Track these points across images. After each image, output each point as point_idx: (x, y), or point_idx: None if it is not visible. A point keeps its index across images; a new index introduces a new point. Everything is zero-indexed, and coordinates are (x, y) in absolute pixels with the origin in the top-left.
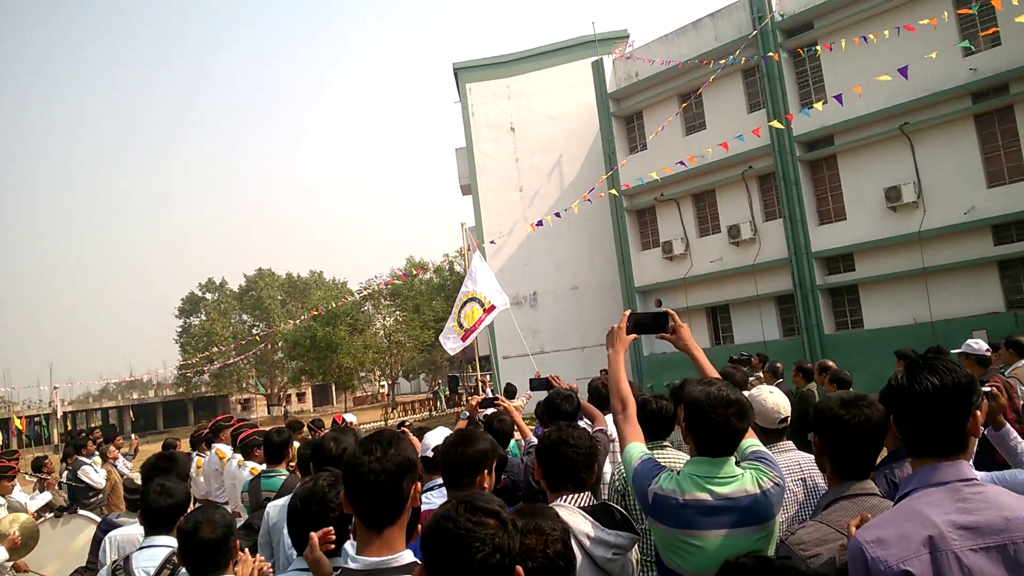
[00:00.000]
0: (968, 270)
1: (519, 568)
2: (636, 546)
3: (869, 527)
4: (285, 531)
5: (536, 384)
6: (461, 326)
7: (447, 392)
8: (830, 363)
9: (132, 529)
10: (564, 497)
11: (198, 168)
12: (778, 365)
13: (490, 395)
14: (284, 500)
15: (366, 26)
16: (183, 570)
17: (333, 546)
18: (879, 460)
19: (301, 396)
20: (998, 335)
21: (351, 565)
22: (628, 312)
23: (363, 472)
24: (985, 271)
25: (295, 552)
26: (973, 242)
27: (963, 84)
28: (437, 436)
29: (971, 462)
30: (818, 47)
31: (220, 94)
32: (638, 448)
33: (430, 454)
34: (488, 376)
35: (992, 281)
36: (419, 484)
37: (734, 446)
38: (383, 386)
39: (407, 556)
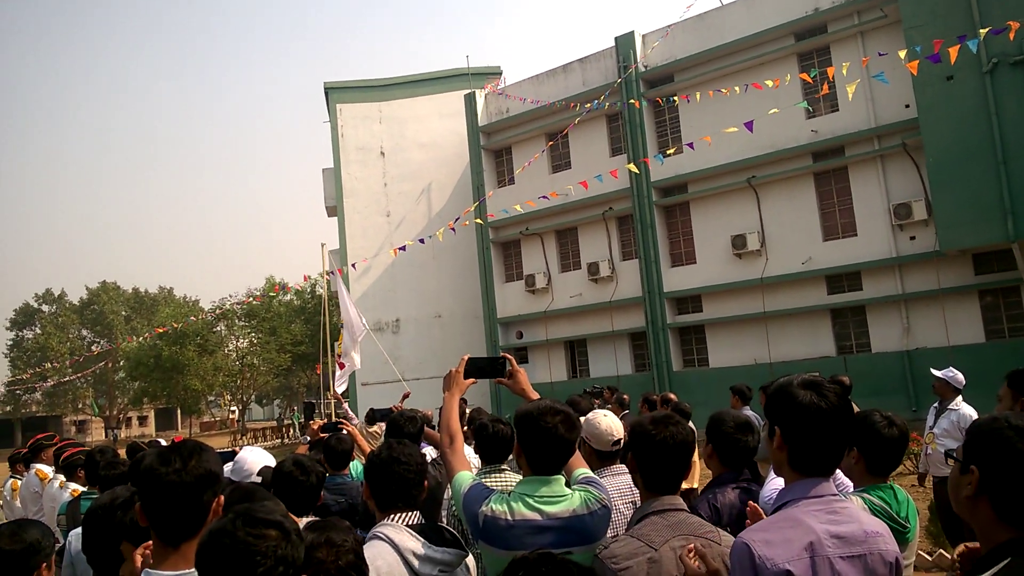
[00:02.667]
0: (804, 316)
1: None
2: (467, 566)
3: (755, 530)
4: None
5: (379, 415)
6: (338, 356)
7: (302, 419)
8: (672, 396)
9: None
10: (393, 516)
11: (41, 168)
12: (625, 397)
13: (335, 418)
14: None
15: (237, 36)
16: None
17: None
18: (704, 486)
19: (143, 420)
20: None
21: None
22: (466, 357)
23: (162, 484)
24: (819, 318)
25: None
26: (809, 290)
27: (805, 144)
28: (257, 457)
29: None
30: (676, 98)
31: (71, 94)
32: (466, 475)
33: (257, 479)
34: (345, 396)
35: (825, 327)
36: (221, 498)
37: (563, 461)
38: (233, 411)
39: None
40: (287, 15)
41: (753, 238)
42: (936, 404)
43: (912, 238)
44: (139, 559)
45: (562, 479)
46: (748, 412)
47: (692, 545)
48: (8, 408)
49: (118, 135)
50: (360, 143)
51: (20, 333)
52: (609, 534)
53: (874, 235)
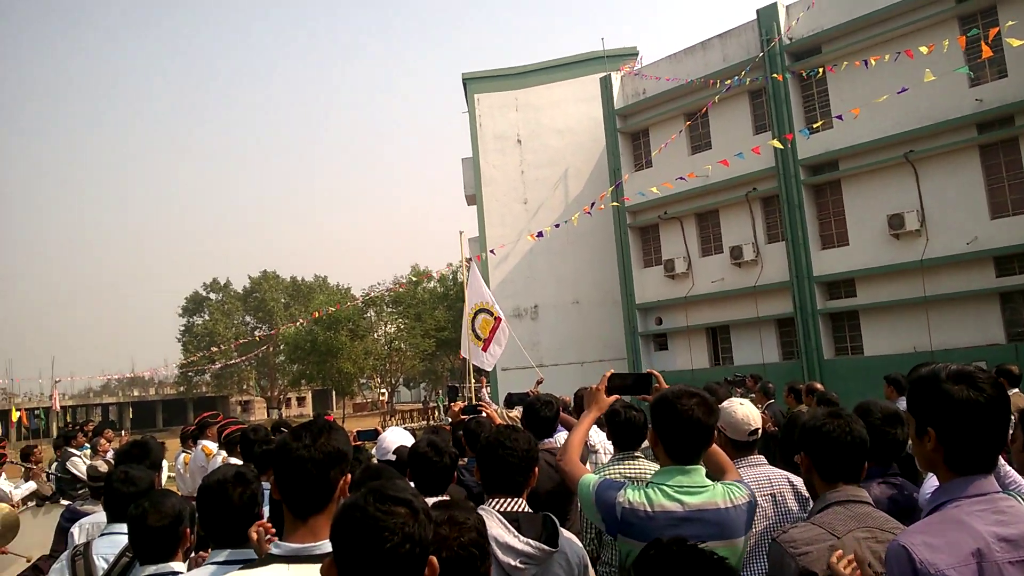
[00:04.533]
0: (969, 300)
1: (433, 558)
2: (589, 563)
3: (913, 532)
4: None
5: (516, 399)
6: (479, 338)
7: (446, 402)
8: (818, 385)
9: (101, 517)
10: (494, 500)
11: (207, 169)
12: (770, 385)
13: (475, 401)
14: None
15: (377, 33)
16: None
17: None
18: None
19: (301, 400)
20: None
21: (274, 551)
22: (609, 372)
23: (291, 459)
24: (986, 302)
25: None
26: (975, 273)
27: (968, 114)
28: (396, 437)
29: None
30: (822, 70)
31: (231, 95)
32: (589, 477)
33: (392, 457)
34: (486, 380)
35: (993, 312)
36: (348, 476)
37: (702, 448)
38: (383, 393)
39: (330, 545)
40: (424, 6)
41: (912, 217)
42: None
43: None
44: (254, 535)
45: (702, 469)
46: (902, 404)
47: (840, 552)
48: (181, 388)
49: (274, 135)
50: (498, 132)
51: (191, 320)
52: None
53: None
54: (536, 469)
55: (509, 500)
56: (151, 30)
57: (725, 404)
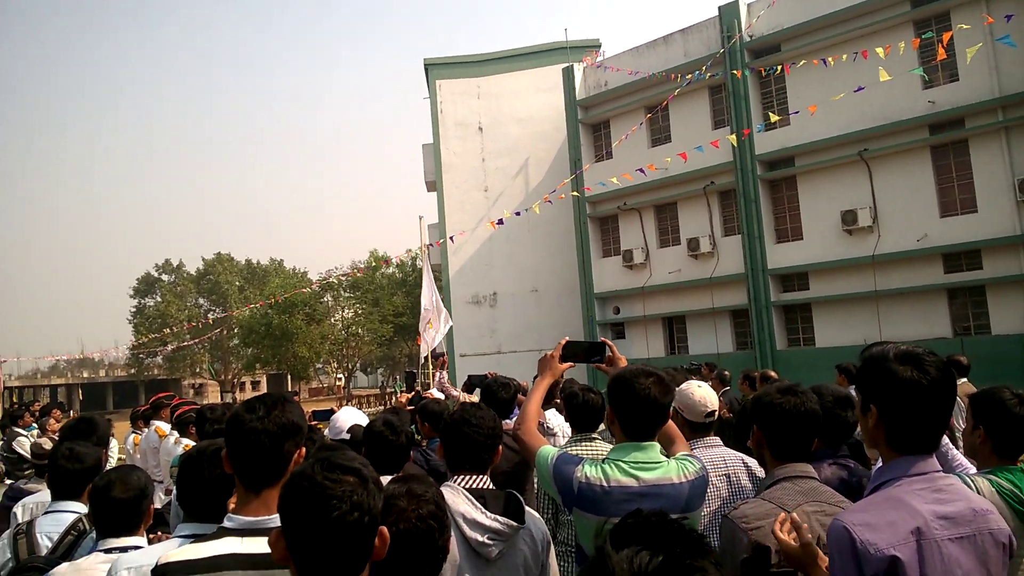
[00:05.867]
0: (918, 295)
1: (383, 528)
2: (534, 538)
3: (854, 511)
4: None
5: (474, 381)
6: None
7: (403, 388)
8: (772, 373)
9: (46, 495)
10: (458, 478)
11: (163, 147)
12: (726, 373)
13: (434, 387)
14: None
15: (338, 17)
16: (89, 536)
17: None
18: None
19: (256, 384)
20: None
21: (227, 524)
22: (565, 340)
23: (244, 430)
24: (934, 297)
25: (182, 513)
26: (924, 269)
27: (921, 115)
28: (349, 416)
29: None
30: (780, 67)
31: (190, 77)
32: (548, 448)
33: (346, 436)
34: (445, 362)
35: (941, 307)
36: (303, 450)
37: (657, 425)
38: (339, 378)
39: None
40: None
41: (864, 214)
42: None
43: None
44: (232, 505)
45: (657, 446)
46: (853, 391)
47: (783, 516)
48: (132, 371)
49: (232, 115)
50: (459, 119)
51: (142, 301)
52: (703, 507)
53: (996, 211)
54: (500, 447)
55: (474, 477)
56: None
57: (683, 386)
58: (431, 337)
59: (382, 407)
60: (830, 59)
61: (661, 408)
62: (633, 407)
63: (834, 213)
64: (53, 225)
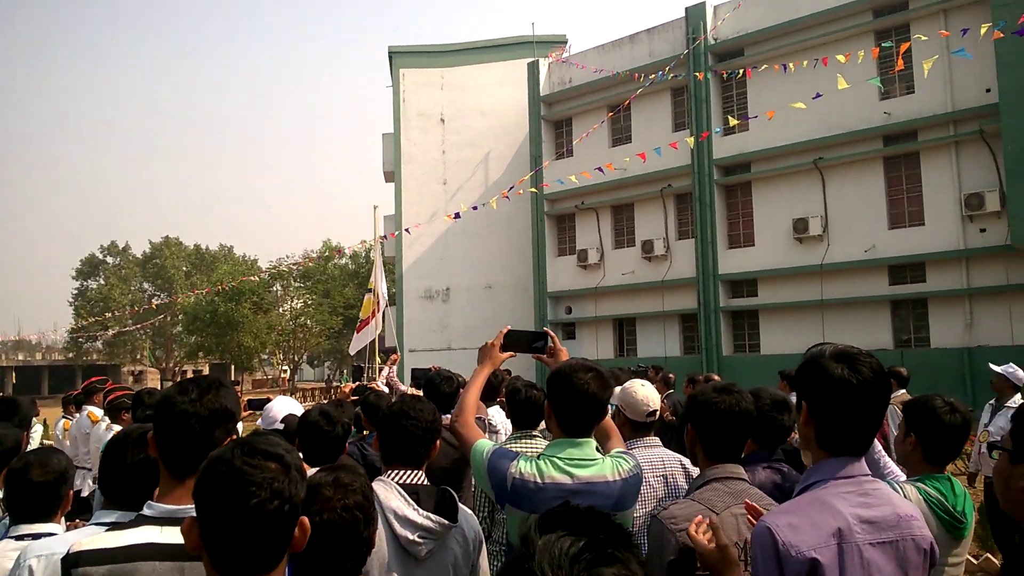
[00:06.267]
0: (863, 306)
1: (304, 519)
2: (465, 538)
3: (778, 513)
4: None
5: (418, 375)
6: (361, 319)
7: (350, 381)
8: (716, 377)
9: None
10: (392, 472)
11: (113, 125)
12: (671, 376)
13: (381, 379)
14: None
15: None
16: (1, 523)
17: None
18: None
19: (197, 373)
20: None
21: (147, 512)
22: (506, 329)
23: (174, 412)
24: (878, 308)
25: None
26: (870, 280)
27: (877, 126)
28: (283, 406)
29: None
30: (742, 71)
31: (142, 53)
32: (484, 442)
33: (280, 426)
34: (396, 358)
35: (884, 318)
36: (234, 437)
37: (594, 421)
38: (285, 370)
39: None
40: None
41: (816, 222)
42: (992, 401)
43: (982, 230)
44: None
45: (593, 442)
46: (792, 397)
47: (699, 518)
48: (70, 355)
49: (184, 96)
50: (421, 109)
51: (85, 283)
52: (638, 507)
53: (942, 225)
54: (438, 442)
55: (409, 472)
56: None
57: (626, 384)
58: (373, 327)
59: (326, 400)
60: (791, 65)
61: (599, 404)
62: (571, 402)
63: (786, 220)
64: None
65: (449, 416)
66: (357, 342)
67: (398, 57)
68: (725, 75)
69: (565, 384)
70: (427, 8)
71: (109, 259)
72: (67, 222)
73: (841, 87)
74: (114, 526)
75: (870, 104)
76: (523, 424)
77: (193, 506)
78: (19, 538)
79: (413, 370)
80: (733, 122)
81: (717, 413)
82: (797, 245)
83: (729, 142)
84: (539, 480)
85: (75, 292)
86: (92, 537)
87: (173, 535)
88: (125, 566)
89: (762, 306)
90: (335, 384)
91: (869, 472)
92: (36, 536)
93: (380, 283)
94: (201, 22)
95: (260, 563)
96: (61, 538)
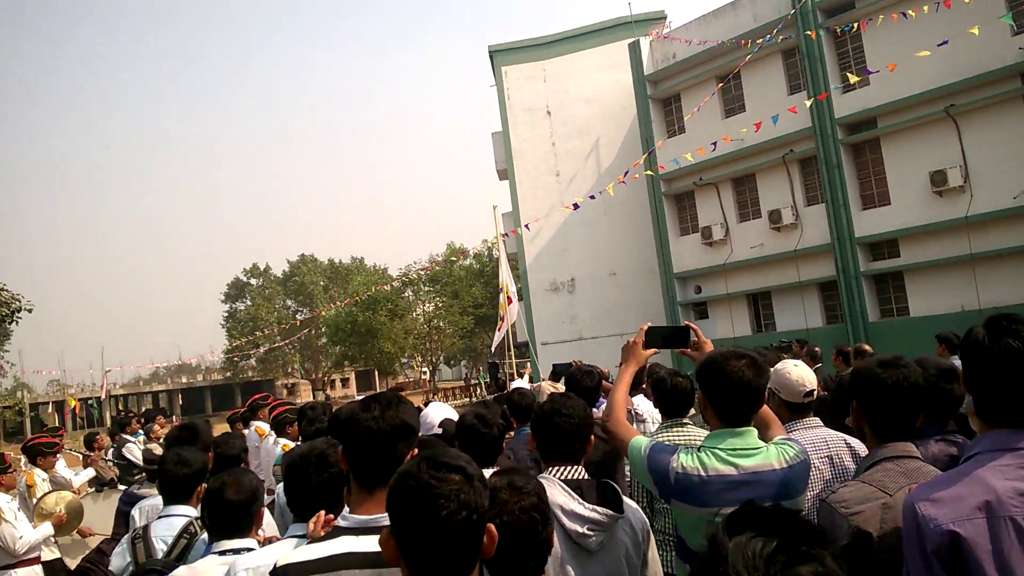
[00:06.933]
0: (1017, 256)
1: (491, 526)
2: (651, 530)
3: (925, 486)
4: None
5: (559, 369)
6: (500, 317)
7: (487, 379)
8: (867, 347)
9: (159, 499)
10: (552, 468)
11: (243, 157)
12: (817, 349)
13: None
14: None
15: (402, 10)
16: (201, 538)
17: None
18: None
19: (345, 381)
20: None
21: (342, 523)
22: (647, 326)
23: (360, 428)
24: None
25: (292, 515)
26: (1022, 228)
27: (1011, 64)
28: (438, 412)
29: None
30: (856, 25)
31: (264, 81)
32: (641, 439)
33: (439, 431)
34: (527, 363)
35: None
36: (416, 451)
37: (753, 409)
38: (425, 372)
39: None
40: None
41: (955, 173)
42: None
43: None
44: (311, 526)
45: (754, 431)
46: (957, 362)
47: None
48: (228, 374)
49: (306, 121)
50: (527, 104)
51: (233, 305)
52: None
53: None
54: (592, 437)
55: (569, 468)
56: (186, 20)
57: (779, 366)
58: (512, 315)
59: (467, 400)
60: (911, 11)
61: (756, 391)
62: (727, 391)
63: (922, 175)
64: (146, 238)
65: (596, 411)
66: (497, 339)
67: (499, 55)
68: (839, 30)
69: (719, 374)
70: (521, 2)
71: (253, 280)
72: (212, 250)
73: (971, 31)
74: (312, 539)
75: (1002, 41)
76: (672, 412)
77: (384, 515)
78: (222, 553)
79: (554, 365)
80: (853, 79)
81: (884, 389)
82: (937, 199)
83: (851, 99)
84: (703, 473)
85: (225, 315)
86: (295, 550)
87: (369, 544)
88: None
89: (906, 267)
90: (473, 382)
91: None
92: (236, 551)
93: (509, 280)
94: (305, 43)
95: (455, 571)
96: (265, 551)
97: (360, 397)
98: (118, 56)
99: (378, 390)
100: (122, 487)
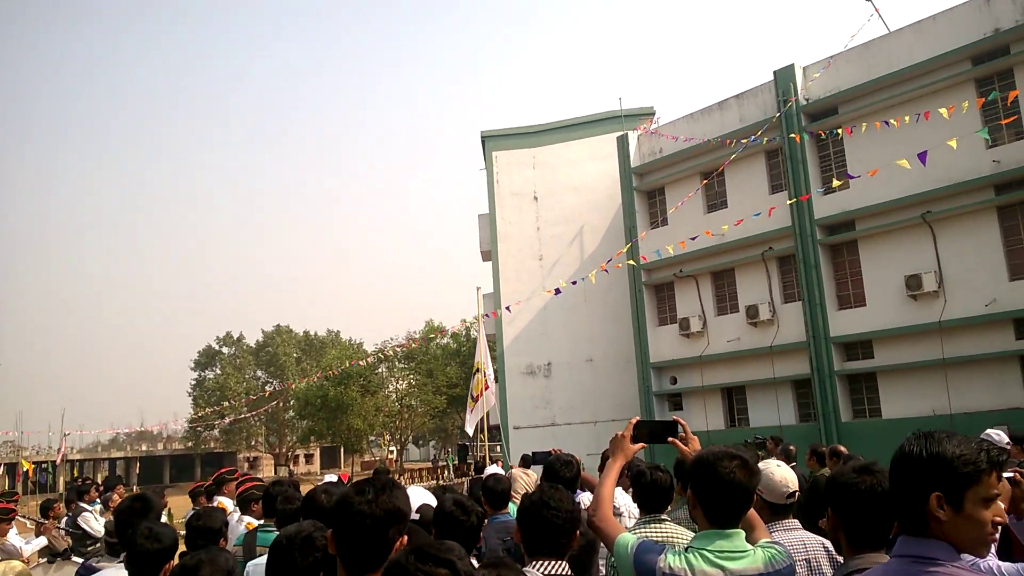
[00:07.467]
0: (989, 363)
1: None
2: None
3: None
4: None
5: (539, 457)
6: (473, 398)
7: (456, 461)
8: (842, 448)
9: (118, 573)
10: (537, 563)
11: (221, 222)
12: (791, 448)
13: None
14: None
15: (392, 89)
16: None
17: None
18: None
19: (309, 457)
20: (1019, 430)
21: None
22: (635, 420)
23: (352, 512)
24: (1006, 365)
25: None
26: (994, 335)
27: (986, 175)
28: (417, 496)
29: (992, 551)
30: (839, 131)
31: (244, 150)
32: (627, 536)
33: (416, 516)
34: (498, 447)
35: (1013, 375)
36: (405, 538)
37: (742, 511)
38: (392, 451)
39: None
40: (442, 68)
41: (930, 278)
42: None
43: None
44: None
45: (742, 533)
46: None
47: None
48: (189, 444)
49: (290, 191)
50: (514, 188)
51: (202, 373)
52: None
53: None
54: (578, 532)
55: (553, 563)
56: (164, 78)
57: (762, 466)
58: (483, 405)
59: (434, 481)
60: (893, 121)
61: (747, 493)
62: (717, 492)
63: (898, 278)
64: (117, 299)
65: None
66: (471, 421)
67: (490, 140)
68: (823, 134)
69: (710, 473)
70: (516, 91)
71: (225, 349)
72: (185, 316)
73: (948, 142)
74: None
75: (977, 153)
76: (651, 508)
77: None
78: None
79: (534, 453)
80: (836, 183)
81: (859, 496)
82: (912, 303)
83: (830, 200)
84: (690, 574)
85: (193, 383)
86: None
87: None
88: None
89: (880, 368)
90: (441, 464)
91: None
92: None
93: (487, 362)
94: (294, 118)
95: None
96: None
97: (325, 474)
98: (87, 113)
99: (342, 467)
100: (76, 559)
